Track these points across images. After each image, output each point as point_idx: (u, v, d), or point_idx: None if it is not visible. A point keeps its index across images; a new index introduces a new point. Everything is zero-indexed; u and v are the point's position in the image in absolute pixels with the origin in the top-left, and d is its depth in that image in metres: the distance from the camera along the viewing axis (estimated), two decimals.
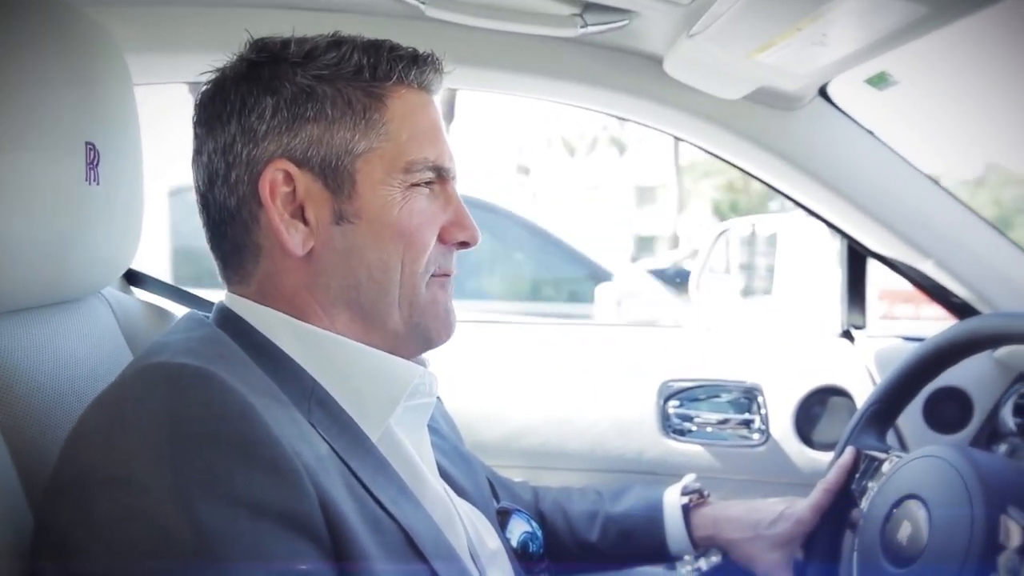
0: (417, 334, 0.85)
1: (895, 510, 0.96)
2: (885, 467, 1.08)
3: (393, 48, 0.83)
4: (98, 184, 0.84)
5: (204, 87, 0.84)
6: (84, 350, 0.87)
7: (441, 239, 0.85)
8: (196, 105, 0.84)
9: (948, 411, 1.53)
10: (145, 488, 0.62)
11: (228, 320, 0.82)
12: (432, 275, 0.85)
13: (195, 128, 0.84)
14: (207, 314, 0.86)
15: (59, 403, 0.79)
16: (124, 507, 0.61)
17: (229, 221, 0.82)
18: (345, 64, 0.80)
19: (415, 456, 0.84)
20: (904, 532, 0.93)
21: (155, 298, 1.24)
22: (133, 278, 1.28)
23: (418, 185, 0.82)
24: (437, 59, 0.85)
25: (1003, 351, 1.47)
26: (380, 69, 0.81)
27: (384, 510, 0.73)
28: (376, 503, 0.73)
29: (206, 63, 0.84)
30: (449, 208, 0.85)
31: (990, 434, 1.50)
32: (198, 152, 0.84)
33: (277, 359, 0.78)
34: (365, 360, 0.82)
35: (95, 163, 0.84)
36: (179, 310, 1.09)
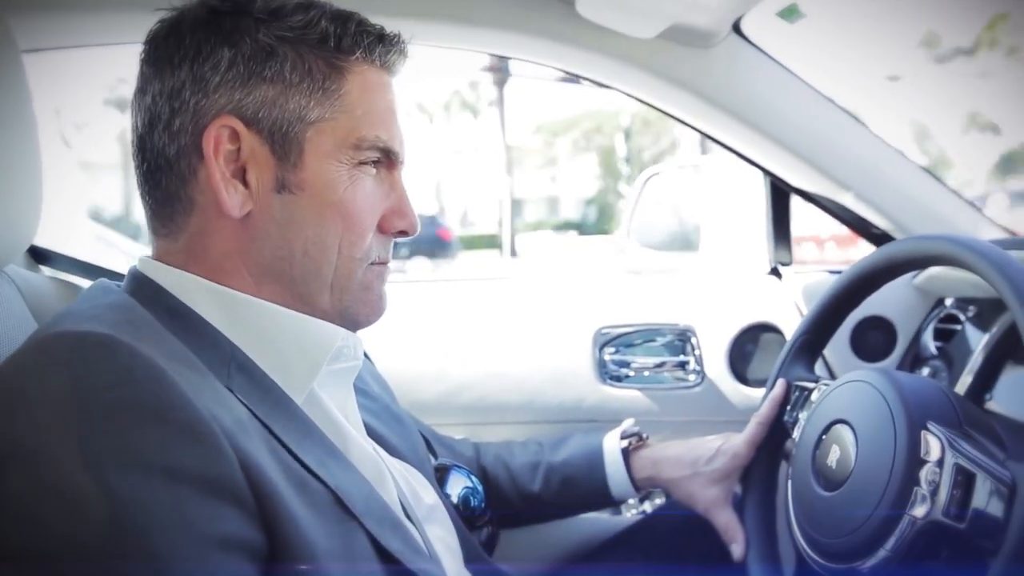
0: (345, 316, 0.83)
1: (824, 436, 0.98)
2: (814, 396, 1.10)
3: (361, 23, 0.81)
4: None
5: (157, 24, 0.80)
6: None
7: (380, 227, 0.84)
8: (147, 41, 0.81)
9: (873, 339, 1.57)
10: (52, 460, 0.59)
11: (140, 285, 0.79)
12: (370, 263, 0.83)
13: (142, 65, 0.80)
14: (119, 283, 0.82)
15: None
16: (33, 481, 0.59)
17: (165, 169, 0.79)
18: (311, 29, 0.78)
19: (341, 418, 0.83)
20: (833, 456, 0.95)
21: (66, 275, 1.19)
22: (40, 256, 1.22)
23: (366, 164, 0.81)
24: (403, 41, 0.84)
25: (922, 278, 1.51)
26: (345, 41, 0.80)
27: (311, 472, 0.72)
28: (302, 465, 0.71)
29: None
30: (393, 195, 0.85)
31: (913, 359, 1.55)
32: (141, 91, 0.80)
33: (193, 324, 0.76)
34: (286, 324, 0.80)
35: None
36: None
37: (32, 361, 0.66)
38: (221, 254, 0.79)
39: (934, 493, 0.81)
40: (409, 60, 0.86)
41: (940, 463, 0.82)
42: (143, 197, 0.82)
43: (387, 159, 0.84)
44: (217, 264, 0.79)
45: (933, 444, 0.83)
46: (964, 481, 0.80)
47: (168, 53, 0.78)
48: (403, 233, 0.86)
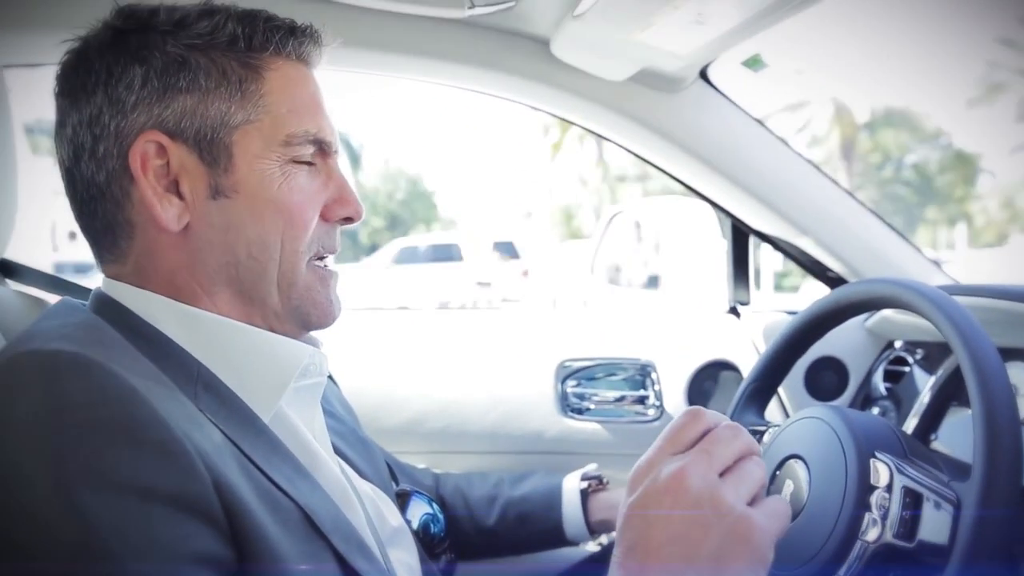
0: (295, 317, 0.83)
1: (778, 472, 1.00)
2: (766, 439, 1.13)
3: (269, 19, 0.81)
4: None
5: (65, 56, 0.80)
6: None
7: (323, 216, 0.84)
8: (57, 75, 0.80)
9: (827, 379, 1.61)
10: (26, 482, 0.59)
11: (105, 305, 0.78)
12: (314, 257, 0.83)
13: (57, 99, 0.80)
14: (84, 302, 0.82)
15: None
16: (5, 502, 0.58)
17: (99, 197, 0.78)
18: (219, 33, 0.78)
19: (308, 436, 0.83)
20: (787, 490, 0.97)
21: (34, 290, 1.18)
22: (8, 270, 1.21)
23: (298, 160, 0.81)
24: (316, 31, 0.83)
25: (873, 321, 1.57)
26: (256, 39, 0.79)
27: (281, 490, 0.71)
28: (272, 483, 0.71)
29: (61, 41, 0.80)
30: (331, 184, 0.84)
31: (864, 399, 1.59)
32: (61, 124, 0.80)
33: (159, 344, 0.75)
34: (252, 341, 0.80)
35: None
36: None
37: (3, 380, 0.65)
38: (169, 271, 0.79)
39: (884, 517, 0.84)
40: None
41: (889, 487, 0.85)
42: (83, 229, 0.82)
43: (319, 150, 0.83)
44: (167, 281, 0.79)
45: (882, 470, 0.87)
46: (912, 502, 0.83)
47: (80, 81, 0.78)
48: (348, 220, 0.86)
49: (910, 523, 0.83)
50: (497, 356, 1.64)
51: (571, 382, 1.63)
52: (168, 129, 0.77)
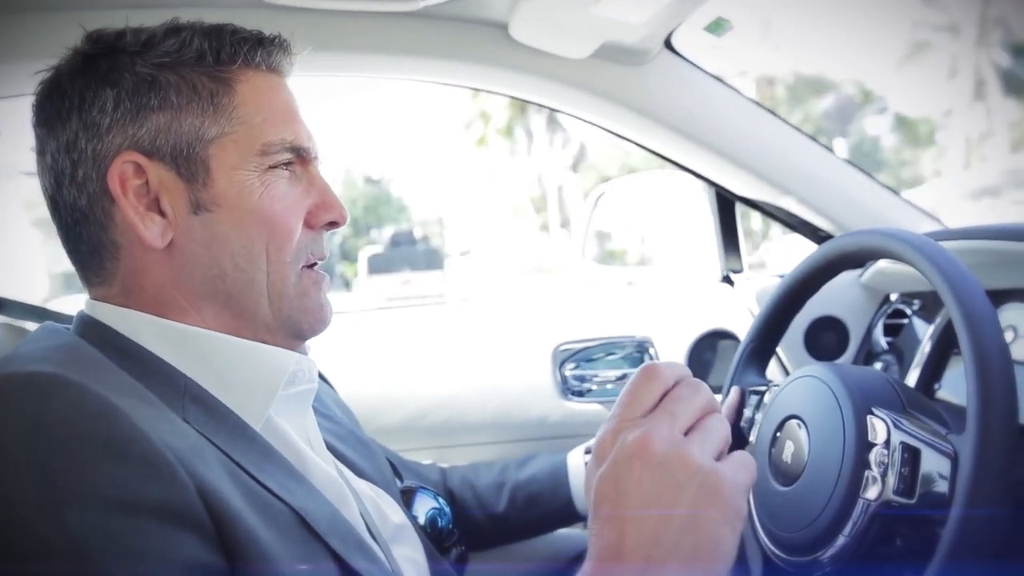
0: (288, 326, 0.83)
1: (778, 433, 1.00)
2: (767, 398, 1.12)
3: (236, 31, 0.81)
4: None
5: (39, 86, 0.81)
6: None
7: (308, 223, 0.84)
8: (33, 105, 0.81)
9: (827, 339, 1.60)
10: (7, 503, 0.58)
11: (88, 327, 0.79)
12: (305, 265, 0.83)
13: (35, 129, 0.81)
14: (67, 326, 0.82)
15: None
16: None
17: (83, 222, 0.79)
18: (186, 50, 0.79)
19: (299, 442, 0.83)
20: (788, 451, 0.96)
21: (18, 321, 1.18)
22: None
23: (276, 168, 0.81)
24: (284, 40, 0.84)
25: (868, 275, 1.55)
26: (224, 52, 0.80)
27: (273, 495, 0.72)
28: (264, 489, 0.71)
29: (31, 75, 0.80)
30: (313, 190, 0.84)
31: (867, 355, 1.58)
32: (41, 153, 0.80)
33: (144, 361, 0.76)
34: (237, 352, 0.80)
35: None
36: None
37: None
38: (156, 288, 0.79)
39: (884, 474, 0.83)
40: None
41: (887, 443, 0.84)
42: (70, 254, 0.83)
43: (298, 157, 0.83)
44: (154, 299, 0.79)
45: (879, 426, 0.85)
46: (911, 458, 0.82)
47: (55, 109, 0.79)
48: (333, 224, 0.86)
49: (909, 479, 0.82)
50: (493, 346, 1.64)
51: (569, 365, 1.62)
52: (144, 148, 0.77)
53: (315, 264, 0.86)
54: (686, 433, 0.63)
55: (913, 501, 0.81)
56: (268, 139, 0.80)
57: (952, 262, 0.87)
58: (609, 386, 1.63)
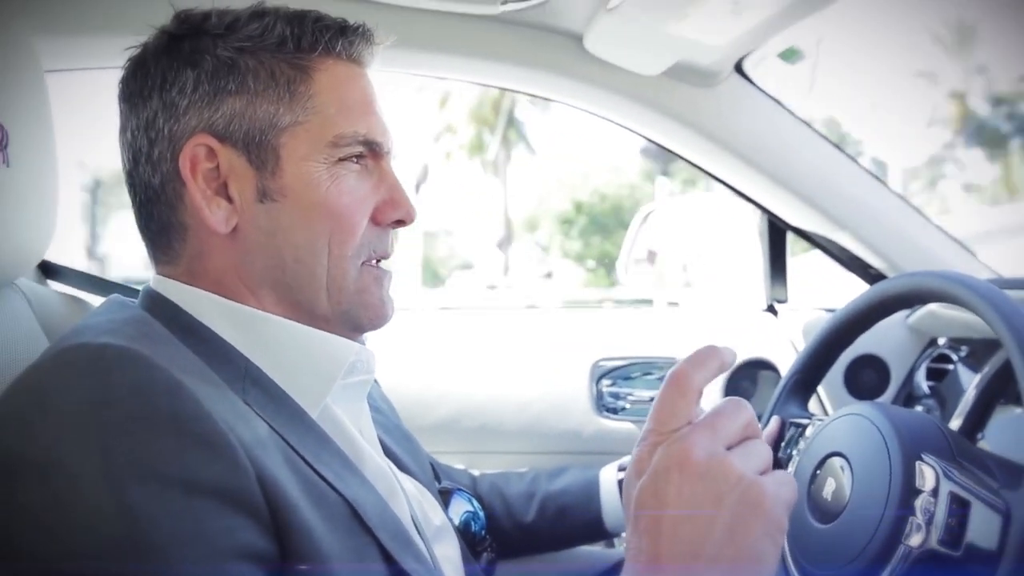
0: (346, 320, 0.83)
1: (819, 470, 0.98)
2: (808, 432, 1.11)
3: (319, 19, 0.80)
4: (7, 166, 0.81)
5: (127, 63, 0.81)
6: None
7: (374, 220, 0.82)
8: (120, 81, 0.82)
9: (867, 378, 1.58)
10: (72, 473, 0.59)
11: (155, 302, 0.79)
12: (366, 261, 0.83)
13: (120, 104, 0.82)
14: (133, 299, 0.83)
15: None
16: (51, 494, 0.59)
17: (155, 200, 0.80)
18: (268, 35, 0.78)
19: (355, 432, 0.83)
20: (828, 489, 0.95)
21: (74, 291, 1.20)
22: (49, 270, 1.23)
23: (346, 160, 0.80)
24: (368, 30, 0.83)
25: (915, 318, 1.53)
26: (305, 40, 0.79)
27: (328, 484, 0.72)
28: (320, 477, 0.71)
29: (124, 47, 0.82)
30: (383, 186, 0.83)
31: (907, 398, 1.56)
32: (123, 130, 0.81)
33: (207, 340, 0.76)
34: (300, 339, 0.80)
35: (4, 144, 0.81)
36: (99, 301, 1.05)
37: (51, 372, 0.65)
38: (219, 272, 0.79)
39: (929, 522, 0.82)
40: None
41: (935, 492, 0.82)
42: (141, 232, 0.83)
43: (371, 151, 0.82)
44: (217, 282, 0.79)
45: (928, 474, 0.84)
46: (959, 509, 0.81)
47: (138, 87, 0.79)
48: (400, 223, 0.85)
49: (956, 530, 0.80)
50: (532, 355, 1.64)
51: (606, 381, 1.62)
52: (218, 132, 0.77)
53: (379, 261, 0.85)
54: (728, 448, 0.62)
55: (958, 554, 0.80)
56: (340, 131, 0.79)
57: (1017, 310, 0.86)
58: (643, 406, 1.63)
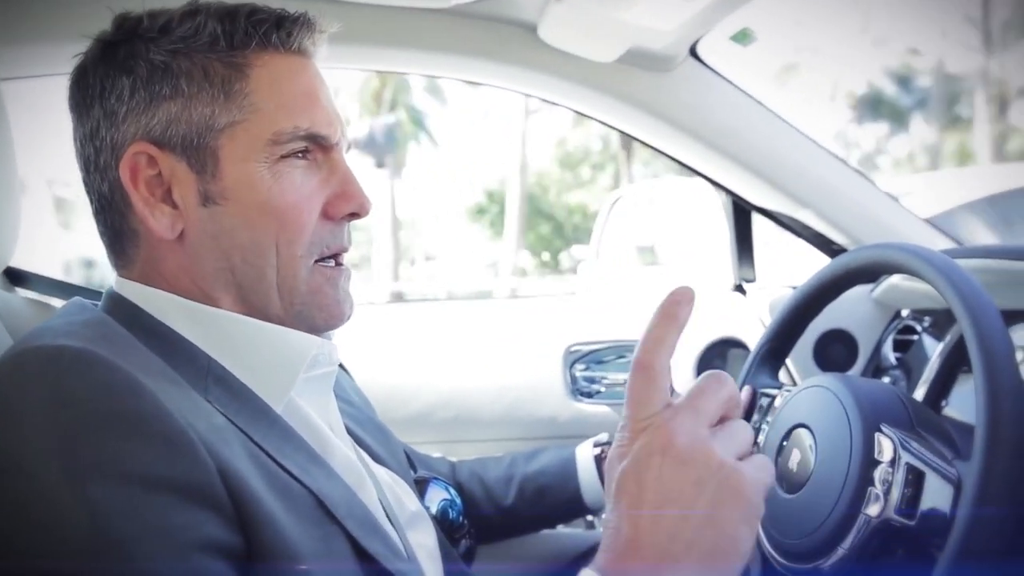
0: (300, 321, 0.82)
1: (786, 440, 1.00)
2: (778, 401, 1.13)
3: (253, 12, 0.78)
4: None
5: (73, 71, 0.81)
6: None
7: (326, 214, 0.81)
8: (68, 89, 0.81)
9: (836, 352, 1.60)
10: (31, 474, 0.59)
11: (116, 304, 0.79)
12: (320, 259, 0.82)
13: (71, 113, 0.81)
14: (96, 302, 0.83)
15: None
16: (11, 496, 0.59)
17: (107, 208, 0.80)
18: (200, 34, 0.77)
19: (321, 424, 0.83)
20: (794, 459, 0.97)
21: (42, 296, 1.19)
22: (15, 277, 1.22)
23: (290, 157, 0.78)
24: (308, 18, 0.80)
25: (880, 291, 1.55)
26: (237, 36, 0.77)
27: (293, 477, 0.72)
28: (284, 471, 0.72)
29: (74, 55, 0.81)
30: (333, 178, 0.81)
31: (875, 370, 1.58)
32: (74, 138, 0.81)
33: (169, 340, 0.76)
34: (260, 334, 0.80)
35: None
36: None
37: (9, 375, 0.65)
38: (172, 275, 0.79)
39: (887, 492, 0.83)
40: None
41: (893, 463, 0.84)
42: (101, 237, 0.83)
43: (317, 145, 0.80)
44: (171, 286, 0.79)
45: (886, 445, 0.86)
46: (915, 480, 0.82)
47: (81, 96, 0.79)
48: (354, 215, 0.83)
49: (912, 500, 0.82)
50: (504, 344, 1.65)
51: (579, 366, 1.64)
52: (155, 138, 0.77)
53: (337, 255, 0.84)
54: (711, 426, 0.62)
55: (913, 523, 0.82)
56: (280, 127, 0.78)
57: (967, 281, 0.87)
58: (618, 388, 1.64)
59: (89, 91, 0.78)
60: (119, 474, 0.60)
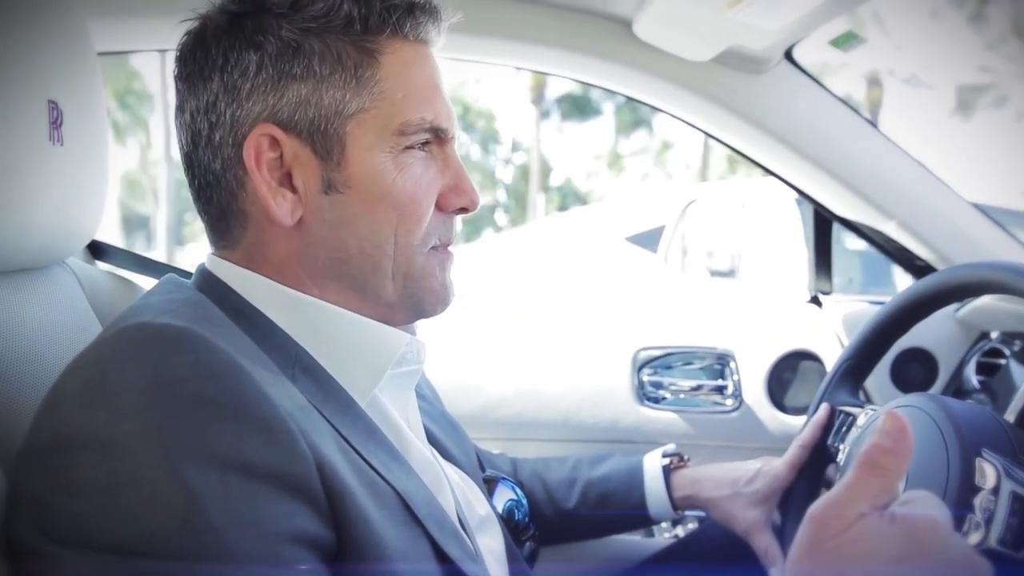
0: (410, 305, 0.81)
1: None
2: (860, 420, 1.09)
3: None
4: (62, 145, 0.81)
5: (184, 37, 0.79)
6: (50, 318, 0.84)
7: (439, 206, 0.80)
8: (177, 57, 0.79)
9: (914, 372, 1.56)
10: (130, 452, 0.58)
11: (209, 284, 0.79)
12: (432, 247, 0.81)
13: (177, 82, 0.79)
14: (187, 279, 0.82)
15: (23, 370, 0.76)
16: (108, 472, 0.58)
17: (215, 185, 0.78)
18: (335, 15, 0.75)
19: (402, 422, 0.82)
20: None
21: (122, 271, 1.21)
22: (98, 251, 1.24)
23: (412, 148, 0.77)
24: (434, 7, 0.79)
25: (966, 311, 1.50)
26: (372, 20, 0.75)
27: (378, 474, 0.71)
28: (369, 467, 0.71)
29: (174, 29, 0.81)
30: (447, 172, 0.81)
31: (955, 392, 1.54)
32: (180, 109, 0.79)
33: (260, 324, 0.75)
34: (351, 327, 0.79)
35: (58, 122, 0.81)
36: (147, 282, 1.06)
37: (112, 351, 0.64)
38: (279, 261, 0.78)
39: (988, 521, 0.80)
40: None
41: (996, 491, 0.80)
42: (200, 213, 0.82)
43: (435, 137, 0.80)
44: (277, 270, 0.78)
45: (988, 471, 0.82)
46: (1021, 509, 0.79)
47: (198, 67, 0.76)
48: (463, 210, 0.83)
49: (1018, 531, 0.78)
50: (572, 343, 1.63)
51: (647, 370, 1.61)
52: (282, 120, 0.75)
53: (446, 246, 0.83)
54: None
55: (1021, 555, 0.78)
56: (407, 118, 0.77)
57: None
58: (683, 396, 1.62)
59: (209, 62, 0.76)
60: (217, 458, 0.59)
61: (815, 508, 0.55)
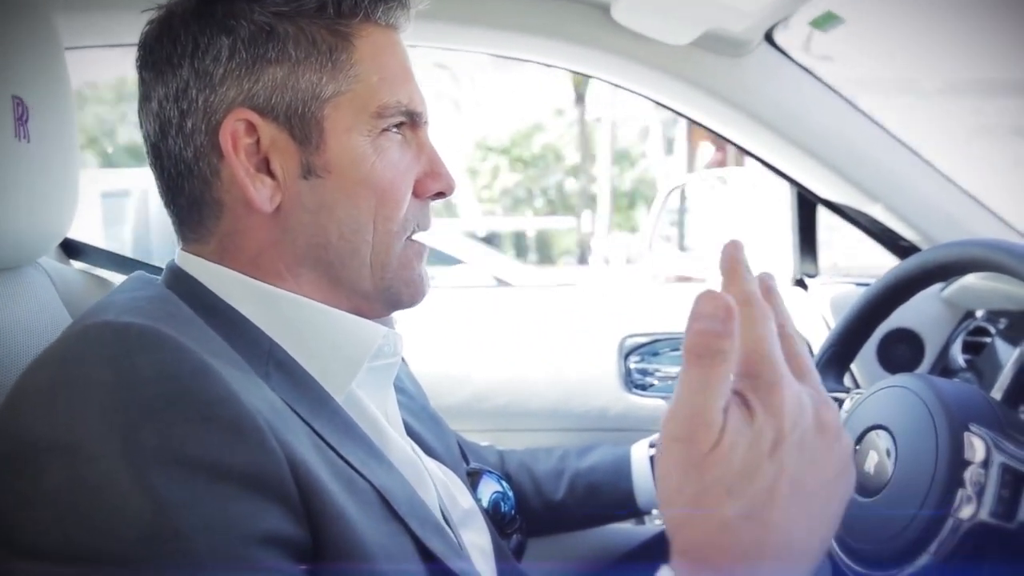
0: (386, 296, 0.80)
1: (859, 444, 0.97)
2: (846, 405, 1.09)
3: None
4: (28, 141, 0.80)
5: (148, 26, 0.77)
6: (22, 320, 0.82)
7: (415, 192, 0.80)
8: (140, 46, 0.78)
9: (900, 352, 1.56)
10: (94, 455, 0.56)
11: (178, 280, 0.77)
12: (409, 236, 0.80)
13: (140, 72, 0.77)
14: (157, 276, 0.80)
15: None
16: (72, 476, 0.56)
17: (186, 174, 0.76)
18: (307, 0, 0.75)
19: (380, 416, 0.81)
20: (870, 462, 0.93)
21: (97, 270, 1.19)
22: (72, 249, 1.22)
23: (388, 131, 0.77)
24: None
25: (951, 290, 1.50)
26: (345, 5, 0.75)
27: (355, 471, 0.69)
28: (346, 463, 0.69)
29: (139, 24, 0.79)
30: (422, 156, 0.80)
31: (941, 371, 1.54)
32: (146, 98, 0.77)
33: (231, 321, 0.74)
34: (326, 321, 0.77)
35: (24, 119, 0.79)
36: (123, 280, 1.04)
37: (74, 351, 0.63)
38: (254, 250, 0.76)
39: (980, 494, 0.80)
40: None
41: (985, 464, 0.81)
42: (168, 206, 0.80)
43: (410, 121, 0.79)
44: (251, 261, 0.76)
45: (977, 445, 0.82)
46: (1012, 481, 0.79)
47: (165, 54, 0.75)
48: (440, 195, 0.82)
49: (1009, 502, 0.79)
50: (558, 332, 1.62)
51: (634, 358, 1.61)
52: (258, 105, 0.73)
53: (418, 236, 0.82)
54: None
55: (1012, 526, 0.78)
56: (384, 100, 0.76)
57: None
58: (672, 382, 1.61)
59: (178, 48, 0.74)
60: (183, 460, 0.57)
61: (672, 427, 0.50)
